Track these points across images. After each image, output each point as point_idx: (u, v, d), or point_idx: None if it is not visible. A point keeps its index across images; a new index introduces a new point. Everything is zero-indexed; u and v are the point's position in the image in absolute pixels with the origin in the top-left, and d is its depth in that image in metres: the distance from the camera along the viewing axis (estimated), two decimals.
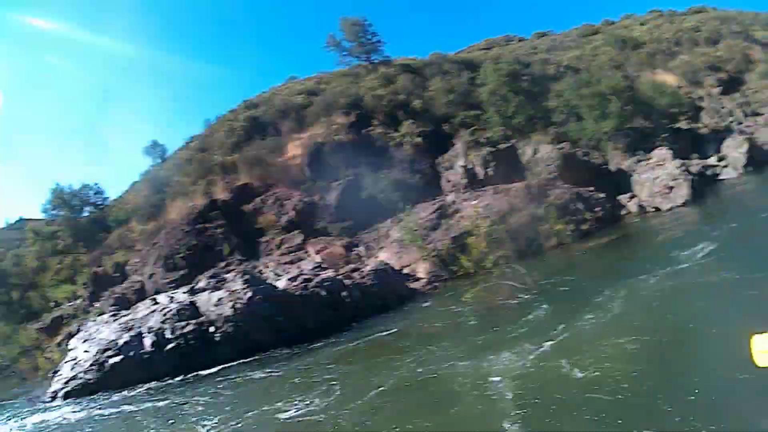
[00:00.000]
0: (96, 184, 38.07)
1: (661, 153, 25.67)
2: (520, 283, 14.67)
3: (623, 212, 23.56)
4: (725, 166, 27.57)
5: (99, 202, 37.23)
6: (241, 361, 14.47)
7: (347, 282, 17.91)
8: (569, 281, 14.08)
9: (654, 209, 22.78)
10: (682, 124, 31.85)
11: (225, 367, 14.19)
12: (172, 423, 10.68)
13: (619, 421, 6.56)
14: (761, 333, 2.95)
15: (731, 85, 40.73)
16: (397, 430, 7.76)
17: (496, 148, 26.26)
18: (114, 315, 17.97)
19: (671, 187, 22.90)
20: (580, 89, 29.37)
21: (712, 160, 27.63)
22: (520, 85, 30.30)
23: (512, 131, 28.38)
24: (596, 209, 22.16)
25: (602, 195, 23.35)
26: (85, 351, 15.94)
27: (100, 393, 14.30)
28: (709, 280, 10.67)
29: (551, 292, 13.27)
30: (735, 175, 26.61)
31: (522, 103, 29.48)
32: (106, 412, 12.50)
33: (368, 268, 19.20)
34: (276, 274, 19.54)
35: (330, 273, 18.41)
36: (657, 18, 60.93)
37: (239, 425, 9.68)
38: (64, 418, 12.82)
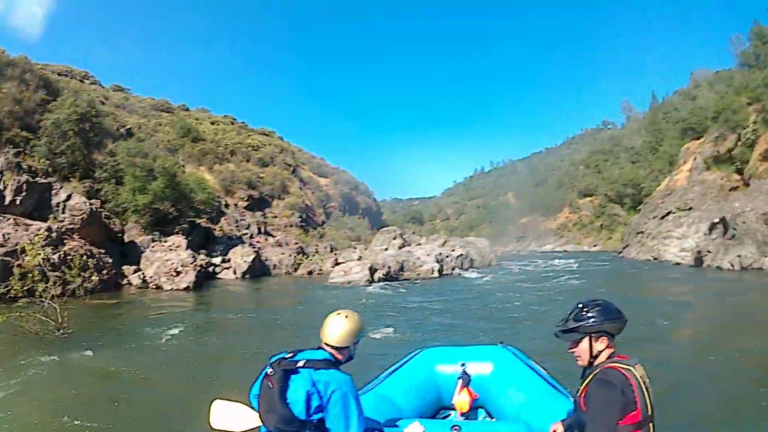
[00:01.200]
0: None
1: (178, 239, 30.64)
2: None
3: (124, 282, 26.65)
4: (228, 268, 34.05)
5: None
6: None
7: None
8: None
9: (156, 287, 26.71)
10: (203, 222, 37.76)
11: None
12: None
13: None
14: (222, 399, 3.56)
15: (259, 204, 49.34)
16: None
17: (35, 180, 26.30)
18: None
19: (179, 272, 27.38)
20: (134, 156, 32.91)
21: (218, 260, 33.97)
22: (83, 127, 31.72)
23: (55, 169, 29.48)
24: (103, 271, 24.47)
25: (110, 260, 26.13)
26: None
27: None
28: (185, 351, 12.24)
29: None
30: (233, 277, 33.37)
31: (76, 147, 30.87)
32: None
33: None
34: None
35: None
36: (229, 124, 66.30)
37: None
38: None
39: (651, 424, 2.69)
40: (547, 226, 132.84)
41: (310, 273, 38.23)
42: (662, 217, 51.15)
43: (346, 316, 3.44)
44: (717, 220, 34.93)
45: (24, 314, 13.22)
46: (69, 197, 26.82)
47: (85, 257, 21.77)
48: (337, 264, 36.05)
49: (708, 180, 50.91)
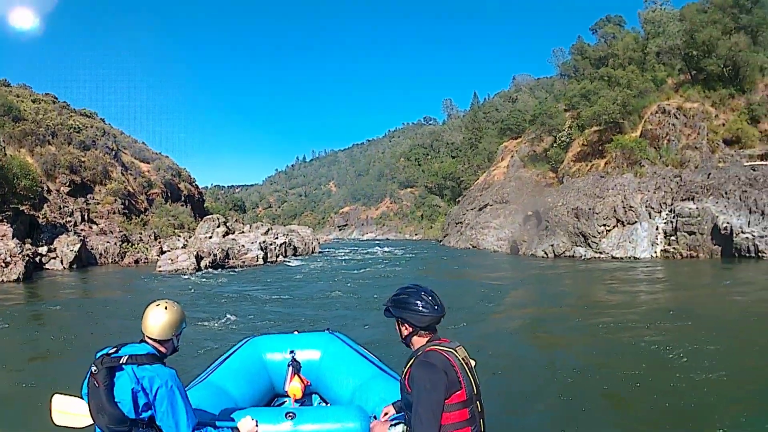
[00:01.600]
0: None
1: (3, 227, 29.57)
2: None
3: None
4: (54, 257, 32.92)
5: None
6: None
7: None
8: None
9: None
10: (25, 208, 35.61)
11: None
12: None
13: None
14: (62, 393, 3.42)
15: (81, 189, 47.20)
16: None
17: None
18: None
19: (7, 263, 26.79)
20: None
21: (44, 249, 32.67)
22: None
23: None
24: None
25: None
26: None
27: None
28: None
29: None
30: (61, 267, 32.45)
31: None
32: None
33: None
34: None
35: None
36: (51, 102, 61.84)
37: None
38: None
39: (478, 402, 2.86)
40: (369, 215, 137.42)
41: (136, 262, 38.81)
42: (480, 209, 56.20)
43: (165, 307, 3.39)
44: (530, 213, 39.18)
45: None
46: None
47: None
48: (163, 252, 37.30)
49: (524, 176, 56.69)
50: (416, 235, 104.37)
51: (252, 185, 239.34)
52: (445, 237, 64.63)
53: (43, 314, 17.67)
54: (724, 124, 40.04)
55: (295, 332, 5.79)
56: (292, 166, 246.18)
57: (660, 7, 54.87)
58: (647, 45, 51.84)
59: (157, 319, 3.29)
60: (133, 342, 3.27)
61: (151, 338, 3.28)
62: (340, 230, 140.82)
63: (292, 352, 5.19)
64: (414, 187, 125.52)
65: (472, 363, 2.94)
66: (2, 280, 25.53)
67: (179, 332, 3.37)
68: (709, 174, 32.62)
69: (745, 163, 33.35)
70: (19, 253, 27.39)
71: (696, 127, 40.11)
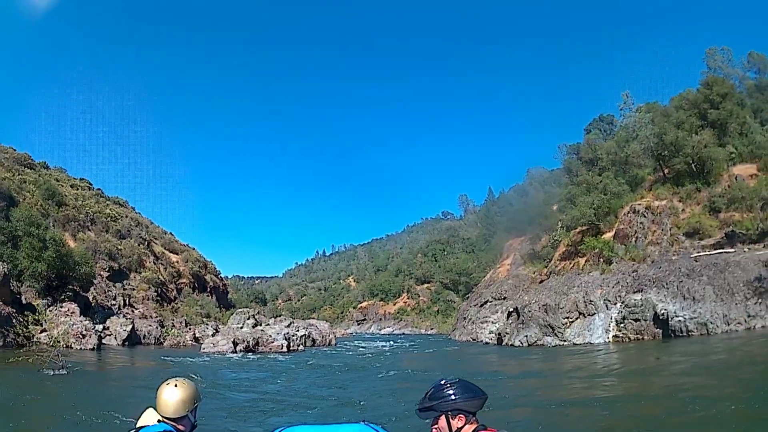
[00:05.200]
0: None
1: (72, 306, 37.36)
2: None
3: (34, 339, 32.29)
4: (110, 335, 39.92)
5: None
6: None
7: None
8: None
9: (66, 346, 32.05)
10: (78, 289, 42.54)
11: None
12: None
13: None
14: None
15: (118, 275, 54.04)
16: None
17: None
18: None
19: (84, 335, 34.55)
20: (29, 226, 38.08)
21: (100, 327, 39.19)
22: None
23: None
24: (14, 329, 30.70)
25: (21, 318, 32.64)
26: None
27: None
28: None
29: None
30: (115, 343, 39.43)
31: None
32: None
33: None
34: None
35: None
36: (86, 188, 69.69)
37: None
38: None
39: None
40: (387, 310, 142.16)
41: (176, 345, 46.03)
42: (482, 305, 62.88)
43: (176, 385, 3.64)
44: (512, 309, 46.41)
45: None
46: None
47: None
48: (196, 338, 47.35)
49: (521, 274, 64.08)
50: (431, 329, 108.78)
51: (272, 277, 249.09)
52: (453, 331, 70.94)
53: (120, 377, 24.28)
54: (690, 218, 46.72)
55: (330, 424, 5.04)
56: (312, 259, 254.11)
57: (635, 113, 62.90)
58: (624, 149, 59.46)
59: (169, 398, 3.62)
60: (152, 425, 3.63)
61: (166, 417, 3.62)
62: (358, 324, 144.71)
63: None
64: (430, 282, 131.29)
65: None
66: (81, 348, 32.99)
67: (193, 408, 3.70)
68: (660, 267, 39.47)
69: (692, 255, 39.56)
70: (92, 329, 35.43)
71: (661, 224, 46.46)
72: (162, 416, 3.60)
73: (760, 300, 32.56)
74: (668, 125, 52.20)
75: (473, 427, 3.22)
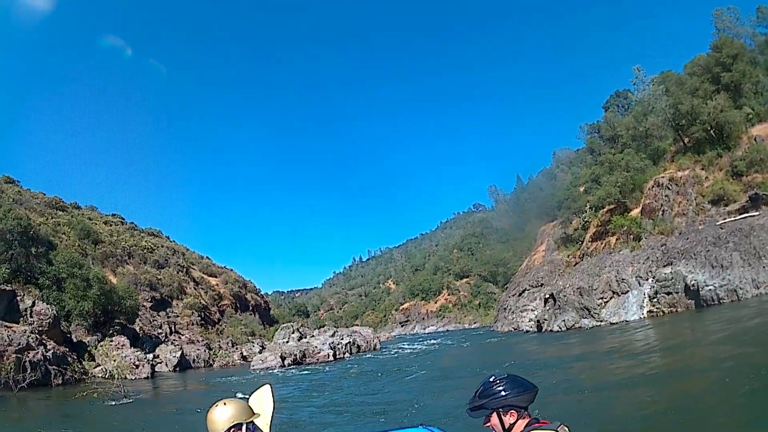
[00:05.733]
0: None
1: (121, 339, 39.85)
2: None
3: (90, 374, 34.63)
4: (161, 362, 41.91)
5: None
6: None
7: None
8: None
9: (123, 377, 33.06)
10: (125, 321, 44.75)
11: None
12: None
13: None
14: None
15: (161, 304, 56.50)
16: None
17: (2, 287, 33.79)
18: None
19: (137, 365, 36.68)
20: (72, 268, 40.13)
21: (150, 356, 41.10)
22: (25, 237, 39.39)
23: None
24: (70, 367, 32.71)
25: (75, 356, 34.77)
26: None
27: None
28: None
29: None
30: (167, 369, 41.60)
31: (20, 255, 38.47)
32: None
33: None
34: None
35: None
36: (119, 224, 72.34)
37: None
38: None
39: None
40: (428, 309, 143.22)
41: (225, 365, 47.88)
42: (520, 294, 63.65)
43: (225, 403, 3.80)
44: (548, 295, 47.15)
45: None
46: (33, 303, 34.36)
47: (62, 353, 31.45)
48: (244, 357, 49.46)
49: (556, 259, 64.65)
50: (474, 323, 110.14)
51: (311, 288, 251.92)
52: (495, 322, 72.00)
53: (178, 400, 26.20)
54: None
55: (388, 430, 4.90)
56: (350, 267, 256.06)
57: (649, 86, 63.23)
58: (642, 123, 59.91)
59: (211, 417, 3.75)
60: None
61: None
62: (402, 326, 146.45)
63: None
64: (469, 276, 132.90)
65: None
66: (135, 378, 34.96)
67: (240, 425, 3.75)
68: (688, 238, 40.04)
69: (717, 222, 40.05)
70: (144, 359, 37.47)
71: (686, 194, 46.79)
72: None
73: None
74: (683, 94, 52.45)
75: (526, 421, 3.27)
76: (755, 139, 45.88)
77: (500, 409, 3.25)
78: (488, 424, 3.34)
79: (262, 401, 4.43)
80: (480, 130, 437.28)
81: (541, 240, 79.57)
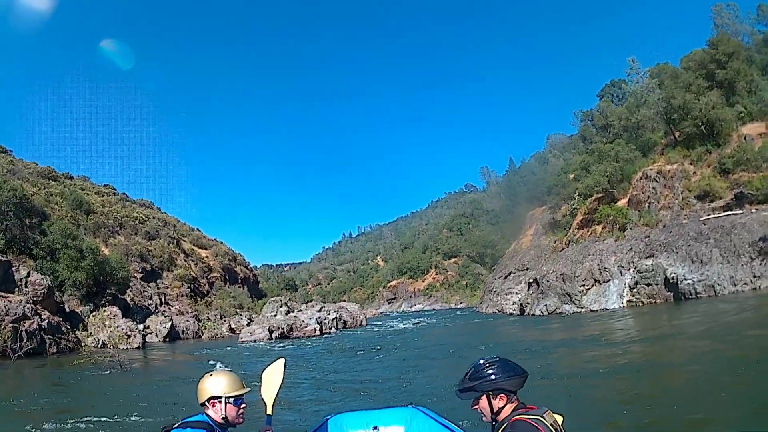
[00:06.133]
0: None
1: (113, 309, 40.48)
2: None
3: (82, 345, 34.91)
4: (151, 333, 42.92)
5: None
6: None
7: None
8: None
9: (114, 347, 35.52)
10: (116, 292, 45.16)
11: None
12: None
13: None
14: None
15: (152, 275, 56.94)
16: None
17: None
18: None
19: (129, 336, 37.43)
20: (66, 239, 40.65)
21: (141, 326, 41.66)
22: (20, 209, 39.99)
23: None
24: (65, 336, 33.34)
25: (68, 325, 35.14)
26: None
27: None
28: None
29: None
30: (157, 340, 42.55)
31: (15, 226, 38.89)
32: None
33: None
34: None
35: None
36: (111, 194, 72.65)
37: None
38: None
39: None
40: (416, 287, 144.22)
41: (214, 337, 48.91)
42: (506, 277, 64.84)
43: (210, 374, 3.99)
44: (532, 279, 48.33)
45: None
46: (29, 274, 34.89)
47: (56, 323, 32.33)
48: (232, 329, 50.47)
49: (543, 244, 66.00)
50: (461, 303, 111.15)
51: (300, 263, 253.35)
52: (480, 303, 72.45)
53: (168, 368, 27.02)
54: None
55: (377, 409, 5.93)
56: (339, 242, 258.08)
57: (642, 77, 64.09)
58: (635, 114, 60.84)
59: (198, 387, 3.96)
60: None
61: (202, 406, 3.96)
62: (389, 303, 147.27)
63: (375, 428, 5.34)
64: (458, 257, 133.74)
65: (559, 420, 3.22)
66: (127, 348, 35.67)
67: (219, 396, 3.88)
68: (671, 232, 40.97)
69: (701, 218, 41.13)
70: (136, 329, 38.39)
71: (673, 188, 47.83)
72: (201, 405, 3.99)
73: (765, 260, 34.15)
74: (676, 89, 53.23)
75: (514, 405, 3.29)
76: (745, 138, 46.63)
77: (490, 392, 3.30)
78: (476, 407, 3.40)
79: (273, 375, 4.94)
80: (475, 110, 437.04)
81: (530, 224, 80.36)
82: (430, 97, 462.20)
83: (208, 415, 3.85)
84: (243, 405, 3.99)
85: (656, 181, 49.39)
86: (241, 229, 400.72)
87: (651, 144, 57.71)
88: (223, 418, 3.84)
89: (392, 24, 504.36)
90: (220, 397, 3.84)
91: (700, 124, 49.82)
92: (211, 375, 3.94)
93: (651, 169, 51.04)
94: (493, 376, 3.27)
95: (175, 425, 3.70)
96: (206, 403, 3.88)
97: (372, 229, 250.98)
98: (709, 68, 53.52)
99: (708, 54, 54.44)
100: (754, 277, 33.77)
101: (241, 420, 3.97)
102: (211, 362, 26.72)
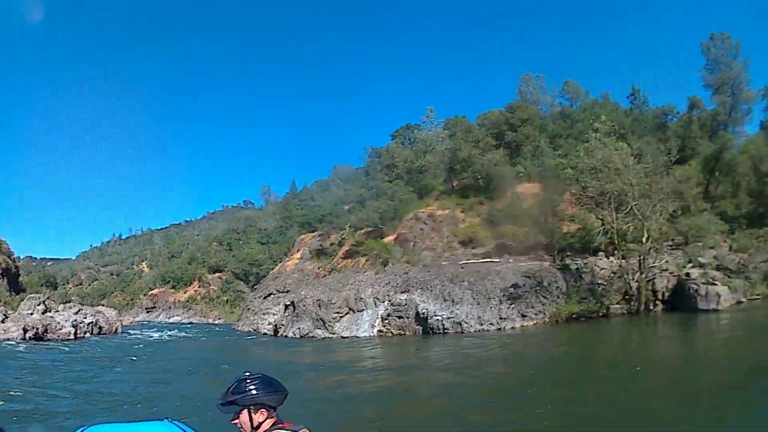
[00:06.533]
0: None
1: None
2: None
3: None
4: None
5: None
6: None
7: None
8: None
9: None
10: None
11: None
12: None
13: None
14: None
15: None
16: None
17: None
18: None
19: None
20: None
21: None
22: None
23: None
24: None
25: None
26: None
27: None
28: None
29: None
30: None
31: None
32: None
33: None
34: None
35: None
36: None
37: None
38: None
39: None
40: (177, 298, 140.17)
41: None
42: (266, 297, 63.99)
43: None
44: (288, 302, 48.44)
45: None
46: None
47: None
48: None
49: (307, 268, 65.81)
50: (219, 319, 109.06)
51: (65, 259, 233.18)
52: (237, 321, 71.10)
53: None
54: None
55: (132, 422, 4.74)
56: (108, 242, 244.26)
57: (435, 127, 67.29)
58: (420, 159, 63.56)
59: None
60: None
61: None
62: (147, 312, 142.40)
63: None
64: (223, 271, 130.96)
65: None
66: None
67: None
68: (429, 271, 42.74)
69: (461, 261, 43.65)
70: None
71: (440, 231, 50.51)
72: None
73: (512, 304, 37.20)
74: (464, 142, 56.64)
75: (273, 420, 3.36)
76: (518, 196, 50.20)
77: (251, 407, 3.29)
78: (236, 421, 3.37)
79: None
80: (258, 127, 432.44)
81: (298, 248, 79.63)
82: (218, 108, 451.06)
83: None
84: None
85: (425, 223, 51.70)
86: (8, 212, 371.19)
87: (429, 188, 60.07)
88: None
89: None
90: None
91: (479, 177, 53.45)
92: None
93: (423, 212, 53.53)
94: (254, 391, 3.30)
95: None
96: None
97: (143, 232, 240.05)
98: (501, 129, 57.66)
99: (504, 116, 58.62)
100: (501, 318, 36.54)
101: None
102: None
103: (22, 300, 55.50)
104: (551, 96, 73.66)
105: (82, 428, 4.37)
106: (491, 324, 36.46)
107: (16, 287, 74.72)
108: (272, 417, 3.33)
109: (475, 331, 35.74)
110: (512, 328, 36.07)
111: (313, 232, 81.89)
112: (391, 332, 39.46)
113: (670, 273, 36.66)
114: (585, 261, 39.29)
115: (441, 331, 36.68)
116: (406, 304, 39.50)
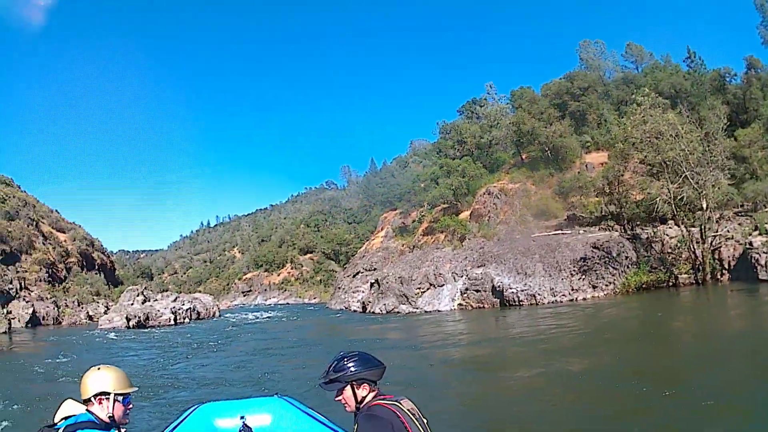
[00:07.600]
0: None
1: None
2: None
3: None
4: (13, 318, 41.79)
5: None
6: None
7: None
8: None
9: None
10: None
11: None
12: None
13: None
14: None
15: (10, 258, 54.15)
16: None
17: None
18: None
19: None
20: None
21: (4, 312, 41.13)
22: None
23: None
24: None
25: None
26: None
27: None
28: None
29: None
30: (20, 326, 41.89)
31: None
32: None
33: None
34: None
35: None
36: None
37: None
38: None
39: None
40: (271, 281, 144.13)
41: (74, 324, 48.64)
42: (354, 275, 67.13)
43: (98, 368, 3.61)
44: (373, 280, 51.14)
45: None
46: None
47: None
48: (90, 317, 50.84)
49: (391, 246, 68.39)
50: (314, 298, 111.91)
51: (157, 250, 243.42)
52: (330, 300, 74.44)
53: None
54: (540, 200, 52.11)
55: (244, 398, 5.88)
56: (197, 231, 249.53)
57: (498, 101, 68.82)
58: (487, 135, 65.59)
59: (83, 380, 3.58)
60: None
61: (85, 403, 3.58)
62: (244, 296, 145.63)
63: (242, 417, 5.28)
64: (313, 252, 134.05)
65: (425, 420, 3.28)
66: None
67: (108, 393, 3.54)
68: (503, 245, 44.76)
69: (533, 234, 45.37)
70: (2, 314, 38.30)
71: (512, 205, 52.02)
72: (84, 404, 3.62)
73: (583, 276, 38.80)
74: (526, 115, 57.52)
75: (375, 393, 3.43)
76: (586, 166, 51.39)
77: (354, 383, 3.41)
78: (340, 398, 3.50)
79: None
80: (340, 108, 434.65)
81: (382, 226, 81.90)
82: (289, 91, 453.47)
83: (92, 413, 3.53)
84: (130, 405, 3.74)
85: (498, 198, 53.47)
86: (99, 212, 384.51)
87: (500, 162, 61.81)
88: (109, 417, 3.54)
89: None
90: (109, 394, 3.55)
91: (546, 149, 54.50)
92: (98, 369, 3.63)
93: (494, 186, 55.16)
94: (354, 368, 3.42)
95: (57, 424, 3.46)
96: (92, 399, 3.56)
97: (230, 220, 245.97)
98: (563, 99, 58.30)
99: (564, 86, 59.18)
100: (573, 290, 38.26)
101: (127, 420, 3.69)
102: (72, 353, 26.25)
103: (122, 292, 58.50)
104: (613, 61, 72.35)
105: (195, 406, 5.50)
106: (563, 295, 38.01)
107: (114, 280, 78.06)
108: (374, 390, 3.45)
109: (548, 302, 37.30)
110: (584, 299, 37.42)
111: (394, 210, 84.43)
112: (471, 305, 41.32)
113: (736, 241, 36.08)
114: (655, 230, 39.73)
115: (517, 303, 38.30)
116: (482, 278, 41.29)
